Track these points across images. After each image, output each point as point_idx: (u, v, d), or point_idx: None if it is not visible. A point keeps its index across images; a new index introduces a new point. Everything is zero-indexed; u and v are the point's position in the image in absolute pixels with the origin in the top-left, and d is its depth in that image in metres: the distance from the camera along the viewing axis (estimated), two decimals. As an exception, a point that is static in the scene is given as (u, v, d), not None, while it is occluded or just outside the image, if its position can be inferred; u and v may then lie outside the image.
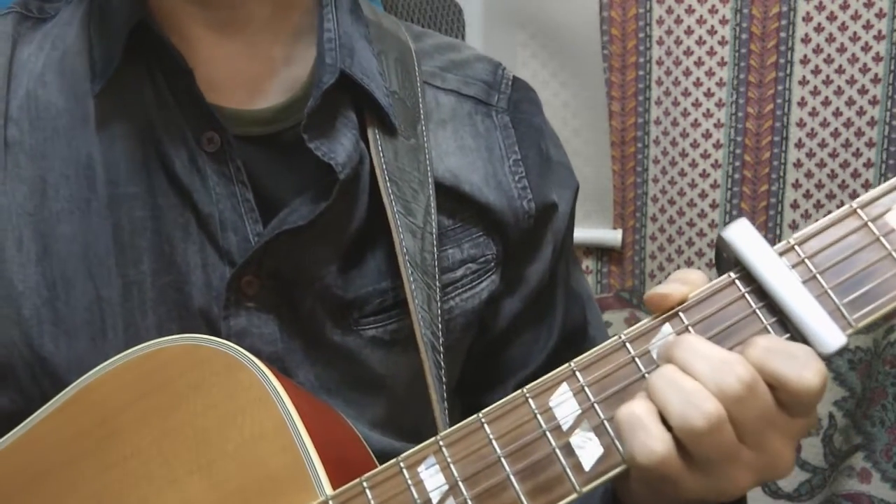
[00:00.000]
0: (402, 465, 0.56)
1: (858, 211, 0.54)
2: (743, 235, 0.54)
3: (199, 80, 0.69)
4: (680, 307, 0.55)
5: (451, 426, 0.57)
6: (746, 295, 0.54)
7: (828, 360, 0.52)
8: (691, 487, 0.53)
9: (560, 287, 0.84)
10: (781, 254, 0.54)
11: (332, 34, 0.73)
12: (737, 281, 0.54)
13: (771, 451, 0.52)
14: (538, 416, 0.55)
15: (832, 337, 0.51)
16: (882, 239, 0.53)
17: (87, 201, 0.70)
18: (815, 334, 0.51)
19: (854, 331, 0.52)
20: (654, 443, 0.51)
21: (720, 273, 0.56)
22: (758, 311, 0.54)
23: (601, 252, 1.85)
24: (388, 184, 0.72)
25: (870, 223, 0.54)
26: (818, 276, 0.53)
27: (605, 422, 0.54)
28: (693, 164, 1.74)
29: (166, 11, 0.71)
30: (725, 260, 0.56)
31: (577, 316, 0.85)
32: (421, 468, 0.56)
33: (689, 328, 0.54)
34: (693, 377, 0.51)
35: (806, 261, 0.53)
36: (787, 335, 0.53)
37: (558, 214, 0.82)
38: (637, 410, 0.52)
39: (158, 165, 0.70)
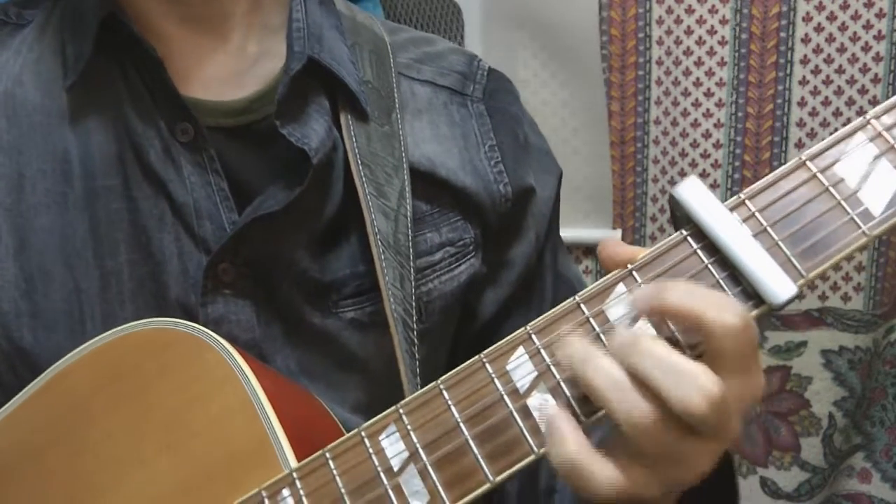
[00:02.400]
0: (363, 434, 0.57)
1: (808, 163, 0.54)
2: (693, 192, 0.54)
3: (172, 72, 0.70)
4: (633, 266, 0.55)
5: None
6: (698, 251, 0.54)
7: (780, 309, 0.52)
8: (650, 486, 0.52)
9: (548, 271, 0.85)
10: (732, 209, 0.54)
11: (301, 24, 0.74)
12: (688, 238, 0.54)
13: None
14: (495, 380, 0.55)
15: (783, 288, 0.51)
16: (831, 189, 0.53)
17: (63, 195, 0.71)
18: (766, 286, 0.52)
19: (805, 281, 0.52)
20: (613, 476, 0.51)
21: (675, 230, 0.56)
22: (709, 266, 0.54)
23: (601, 252, 1.85)
24: (361, 167, 0.73)
25: (818, 174, 0.54)
26: (769, 228, 0.53)
27: (562, 382, 0.54)
28: (693, 164, 1.74)
29: (137, 7, 0.72)
30: (678, 218, 0.56)
31: (567, 298, 0.85)
32: (382, 436, 0.56)
33: (642, 286, 0.54)
34: (651, 387, 0.50)
35: (756, 214, 0.53)
36: (739, 288, 0.53)
37: (538, 198, 0.82)
38: (570, 453, 0.51)
39: (133, 157, 0.71)
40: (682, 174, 1.75)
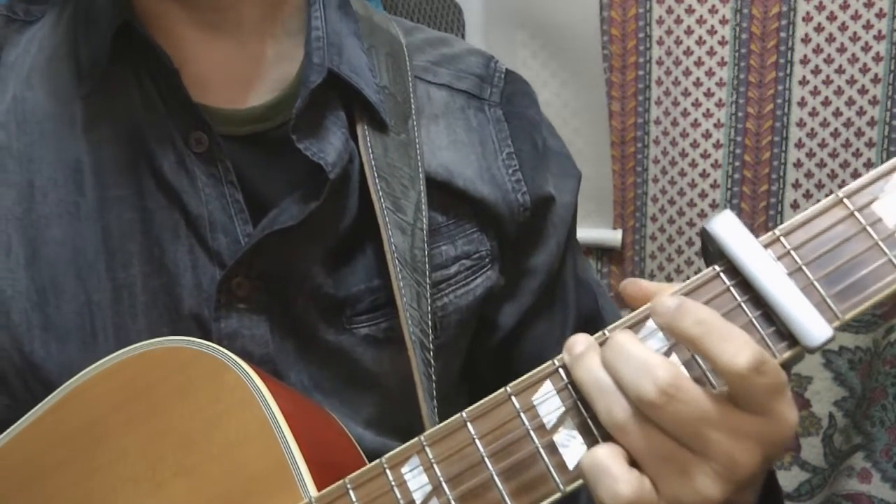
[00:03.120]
0: (385, 465, 0.56)
1: (845, 200, 0.53)
2: (727, 227, 0.53)
3: (187, 79, 0.69)
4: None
5: (437, 422, 0.57)
6: (731, 288, 0.53)
7: (815, 352, 0.51)
8: None
9: (570, 277, 0.84)
10: (766, 245, 0.53)
11: (321, 32, 0.73)
12: (721, 274, 0.53)
13: (719, 452, 0.50)
14: (521, 415, 0.54)
15: (819, 329, 0.50)
16: (868, 228, 0.52)
17: (75, 205, 0.69)
18: (801, 327, 0.50)
19: (841, 323, 0.51)
20: (619, 486, 0.50)
21: (707, 265, 0.55)
22: (742, 304, 0.53)
23: (601, 252, 1.85)
24: (377, 180, 0.71)
25: (856, 213, 0.52)
26: (804, 267, 0.52)
27: (589, 419, 0.53)
28: (693, 164, 1.74)
29: (152, 13, 0.70)
30: (711, 253, 0.55)
31: (589, 304, 0.85)
32: (405, 468, 0.55)
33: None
34: (615, 379, 0.51)
35: (791, 252, 0.52)
36: (773, 328, 0.52)
37: (558, 205, 0.81)
38: (598, 456, 0.51)
39: (147, 167, 0.70)
40: (682, 174, 1.75)
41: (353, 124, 0.73)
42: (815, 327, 0.50)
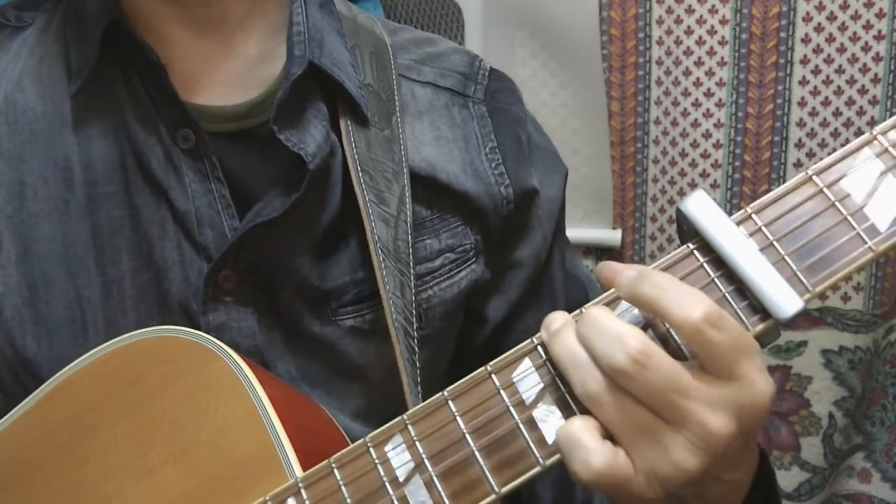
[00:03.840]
0: (369, 444, 0.57)
1: (814, 177, 0.54)
2: (700, 206, 0.54)
3: (174, 77, 0.70)
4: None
5: None
6: (704, 265, 0.54)
7: (787, 323, 0.52)
8: (643, 489, 0.52)
9: (557, 271, 0.85)
10: (738, 223, 0.54)
11: (302, 27, 0.74)
12: (695, 251, 0.55)
13: (693, 421, 0.50)
14: (501, 392, 0.55)
15: (790, 302, 0.52)
16: (837, 204, 0.54)
17: (65, 202, 0.71)
18: (772, 300, 0.52)
19: (811, 295, 0.52)
20: (591, 458, 0.51)
21: (682, 244, 0.56)
22: (716, 279, 0.54)
23: (601, 252, 1.85)
24: (360, 173, 0.73)
25: (825, 189, 0.54)
26: (775, 243, 0.53)
27: (567, 394, 0.54)
28: (693, 164, 1.74)
29: (140, 11, 0.72)
30: (685, 232, 0.56)
31: (579, 298, 0.85)
32: (387, 447, 0.56)
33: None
34: (589, 352, 0.52)
35: (763, 228, 0.54)
36: (746, 302, 0.53)
37: (542, 199, 0.82)
38: (572, 428, 0.52)
39: (135, 164, 0.71)
40: (682, 174, 1.75)
41: (336, 120, 0.74)
42: (786, 300, 0.52)
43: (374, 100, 0.76)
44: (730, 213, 0.54)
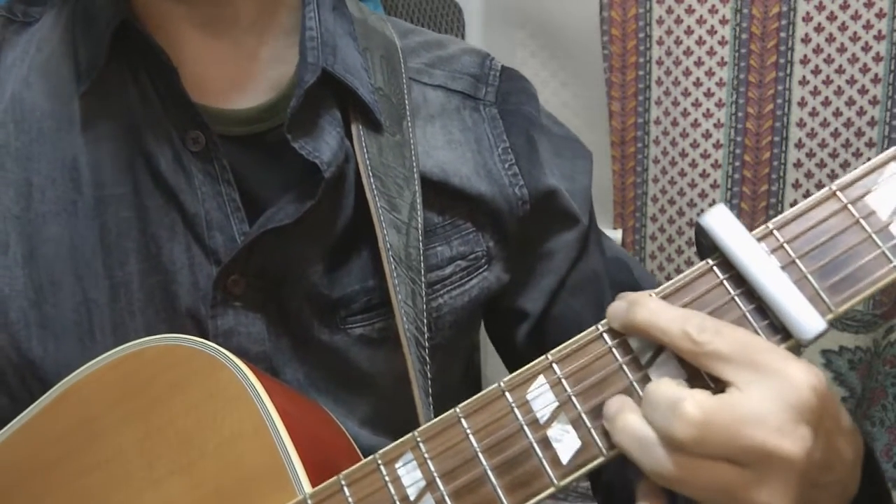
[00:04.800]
0: (379, 461, 0.56)
1: (838, 193, 0.53)
2: (720, 221, 0.53)
3: (185, 79, 0.69)
4: (658, 292, 0.54)
5: (433, 419, 0.57)
6: (724, 282, 0.53)
7: (808, 345, 0.51)
8: None
9: (595, 257, 0.83)
10: (760, 239, 0.53)
11: (315, 32, 0.73)
12: (715, 268, 0.53)
13: (777, 455, 0.48)
14: (515, 410, 0.54)
15: (812, 322, 0.50)
16: (862, 221, 0.52)
17: (73, 203, 0.70)
18: (794, 320, 0.50)
19: (834, 316, 0.51)
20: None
21: (701, 259, 0.55)
22: (736, 297, 0.53)
23: (601, 252, 1.85)
24: (372, 179, 0.72)
25: (849, 205, 0.52)
26: (797, 260, 0.52)
27: (583, 414, 0.53)
28: (693, 164, 1.74)
29: (151, 11, 0.71)
30: (705, 247, 0.55)
31: (625, 279, 0.84)
32: (398, 464, 0.55)
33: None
34: (651, 426, 0.50)
35: (784, 245, 0.52)
36: (766, 321, 0.52)
37: (576, 187, 0.81)
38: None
39: (144, 165, 0.70)
40: (682, 174, 1.75)
41: (348, 124, 0.73)
42: (808, 320, 0.50)
43: (385, 104, 0.75)
44: (746, 224, 0.53)
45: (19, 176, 0.70)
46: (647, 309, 0.52)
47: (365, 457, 0.64)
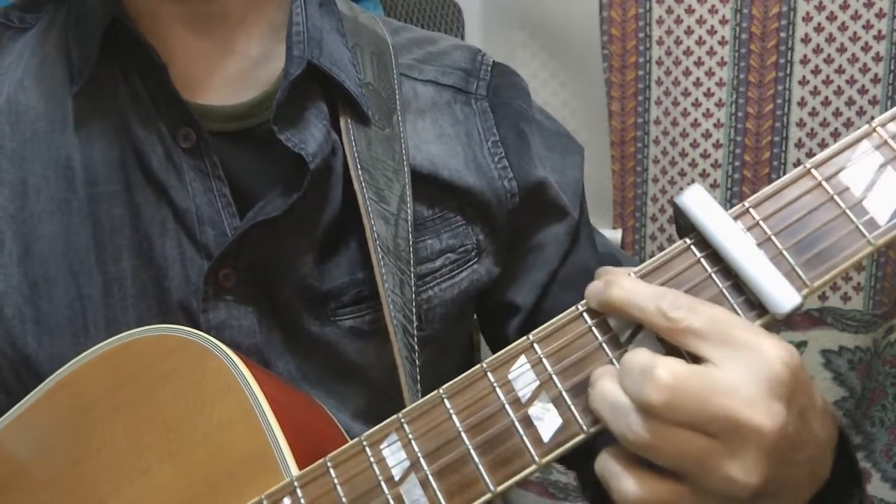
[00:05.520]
0: (364, 443, 0.57)
1: (812, 171, 0.53)
2: (697, 200, 0.53)
3: (175, 77, 0.70)
4: (637, 271, 0.55)
5: None
6: (702, 259, 0.54)
7: (784, 318, 0.51)
8: None
9: (587, 251, 0.84)
10: (736, 217, 0.53)
11: (301, 27, 0.74)
12: (692, 246, 0.54)
13: (748, 426, 0.49)
14: (497, 389, 0.55)
15: (787, 297, 0.51)
16: (836, 198, 0.53)
17: (67, 201, 0.71)
18: (770, 295, 0.51)
19: (810, 290, 0.52)
20: (626, 486, 0.50)
21: (680, 239, 0.55)
22: (713, 274, 0.53)
23: (601, 252, 1.85)
24: (360, 171, 0.72)
25: (824, 182, 0.53)
26: (773, 237, 0.53)
27: (564, 392, 0.54)
28: (693, 164, 1.74)
29: (141, 10, 0.72)
30: (682, 227, 0.56)
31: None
32: (383, 445, 0.56)
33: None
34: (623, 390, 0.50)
35: (760, 223, 0.53)
36: (743, 297, 0.53)
37: (565, 181, 0.82)
38: (604, 458, 0.51)
39: (135, 163, 0.71)
40: (682, 174, 1.75)
41: (336, 118, 0.74)
42: (783, 295, 0.51)
43: (375, 98, 0.76)
44: (726, 207, 0.54)
45: (14, 176, 0.72)
46: (623, 288, 0.52)
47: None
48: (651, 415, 0.49)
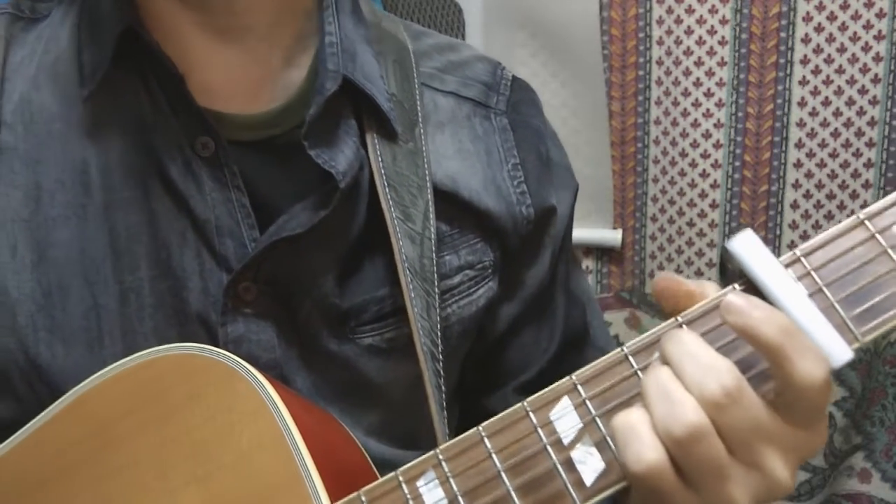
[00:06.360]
0: (400, 478, 0.56)
1: (866, 222, 0.53)
2: (748, 246, 0.53)
3: (194, 84, 0.68)
4: (685, 319, 0.54)
5: (447, 433, 0.56)
6: None
7: (834, 372, 0.51)
8: None
9: (560, 290, 0.84)
10: (787, 265, 0.53)
11: (334, 38, 0.72)
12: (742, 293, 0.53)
13: (765, 467, 0.50)
14: (539, 430, 0.54)
15: (838, 351, 0.50)
16: (890, 251, 0.52)
17: (82, 207, 0.69)
18: (820, 348, 0.50)
19: (860, 345, 0.51)
20: (645, 451, 0.50)
21: (724, 284, 0.55)
22: None
23: (601, 252, 1.85)
24: (387, 189, 0.71)
25: (877, 235, 0.52)
26: (824, 288, 0.52)
27: (607, 436, 0.53)
28: (693, 164, 1.74)
29: (158, 16, 0.70)
30: (730, 271, 0.55)
31: (577, 319, 0.84)
32: (420, 482, 0.55)
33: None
34: (680, 380, 0.50)
35: (812, 273, 0.52)
36: None
37: (557, 217, 0.81)
38: (632, 418, 0.51)
39: (154, 170, 0.69)
40: (682, 174, 1.75)
41: (362, 132, 0.73)
42: (835, 349, 0.50)
43: (399, 110, 0.74)
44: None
45: (28, 179, 0.70)
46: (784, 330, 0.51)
47: (373, 466, 0.64)
48: (703, 407, 0.49)
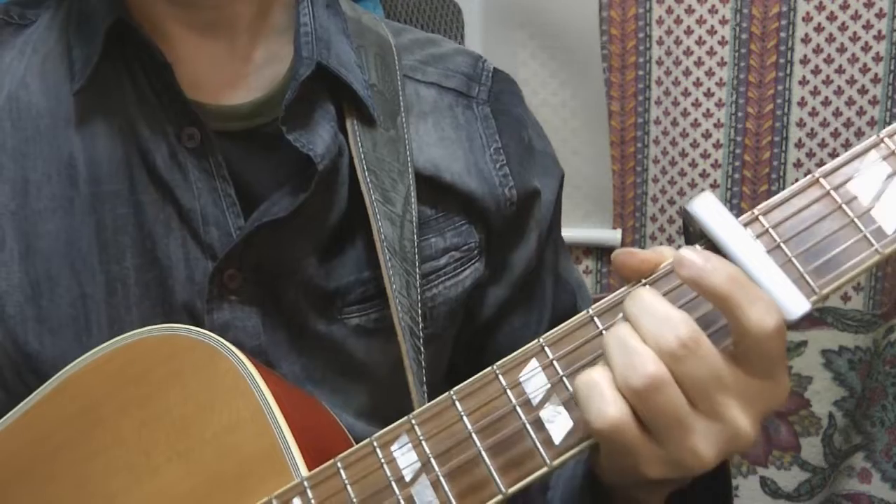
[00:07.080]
0: (375, 444, 0.57)
1: (821, 180, 0.54)
2: (707, 208, 0.54)
3: (180, 77, 0.70)
4: (647, 280, 0.55)
5: None
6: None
7: (793, 325, 0.52)
8: (650, 460, 0.52)
9: (548, 274, 0.85)
10: (746, 224, 0.54)
11: (309, 28, 0.74)
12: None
13: (726, 417, 0.51)
14: (508, 392, 0.55)
15: (797, 303, 0.52)
16: (844, 207, 0.54)
17: (69, 199, 0.71)
18: (780, 302, 0.52)
19: (818, 297, 0.52)
20: (607, 407, 0.51)
21: (688, 245, 0.56)
22: None
23: (601, 252, 1.85)
24: (367, 173, 0.73)
25: (832, 192, 0.54)
26: (782, 244, 0.54)
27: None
28: (693, 164, 1.74)
29: (146, 11, 0.72)
30: (692, 233, 0.56)
31: (566, 302, 0.86)
32: (394, 446, 0.56)
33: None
34: (638, 334, 0.51)
35: (770, 230, 0.54)
36: None
37: (541, 202, 0.83)
38: (594, 376, 0.52)
39: (139, 162, 0.71)
40: (682, 174, 1.75)
41: (342, 119, 0.74)
42: (793, 301, 0.52)
43: (379, 100, 0.76)
44: (735, 215, 0.54)
45: (15, 173, 0.71)
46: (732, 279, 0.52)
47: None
48: (660, 358, 0.50)
